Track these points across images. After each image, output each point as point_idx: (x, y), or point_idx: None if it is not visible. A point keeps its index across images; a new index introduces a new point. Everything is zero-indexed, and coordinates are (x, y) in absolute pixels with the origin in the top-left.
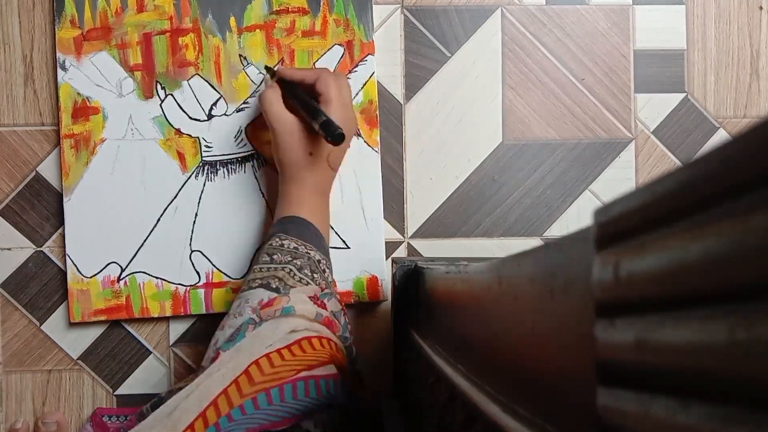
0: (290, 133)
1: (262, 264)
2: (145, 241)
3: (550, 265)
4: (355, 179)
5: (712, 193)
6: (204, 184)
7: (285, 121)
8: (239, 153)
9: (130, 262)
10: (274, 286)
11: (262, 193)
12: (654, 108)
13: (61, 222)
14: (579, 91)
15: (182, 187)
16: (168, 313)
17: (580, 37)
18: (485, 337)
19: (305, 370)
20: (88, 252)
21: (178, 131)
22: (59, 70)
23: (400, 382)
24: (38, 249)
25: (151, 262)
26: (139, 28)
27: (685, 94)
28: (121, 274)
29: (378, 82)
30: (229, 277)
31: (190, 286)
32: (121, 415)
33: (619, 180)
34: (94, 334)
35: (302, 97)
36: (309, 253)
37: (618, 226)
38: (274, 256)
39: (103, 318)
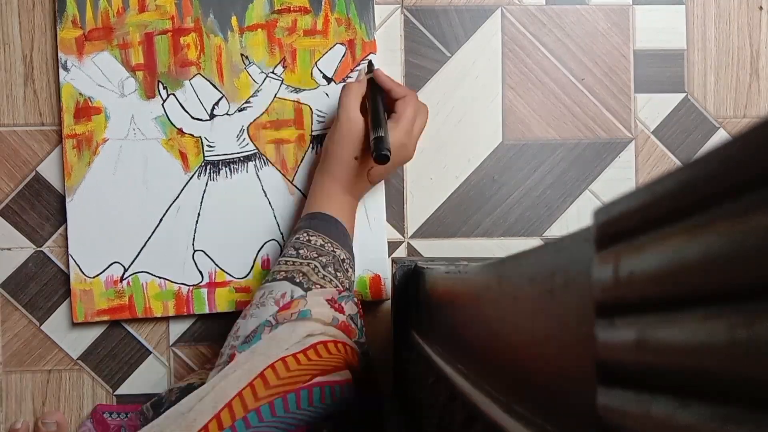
0: (349, 130)
1: (288, 257)
2: (147, 241)
3: (550, 265)
4: None
5: (712, 193)
6: (206, 184)
7: (351, 118)
8: (241, 152)
9: (133, 262)
10: (298, 281)
11: (264, 192)
12: (654, 108)
13: (61, 222)
14: (579, 91)
15: (184, 186)
16: (171, 313)
17: (580, 37)
18: (485, 337)
19: (320, 375)
20: (90, 252)
21: (180, 131)
22: (61, 71)
23: (400, 382)
24: (38, 249)
25: (154, 262)
26: (140, 28)
27: (685, 94)
28: (124, 274)
29: None
30: (232, 276)
31: (193, 285)
32: (121, 412)
33: (619, 180)
34: (94, 334)
35: (377, 104)
36: (335, 252)
37: (618, 226)
38: (301, 251)
39: (106, 318)
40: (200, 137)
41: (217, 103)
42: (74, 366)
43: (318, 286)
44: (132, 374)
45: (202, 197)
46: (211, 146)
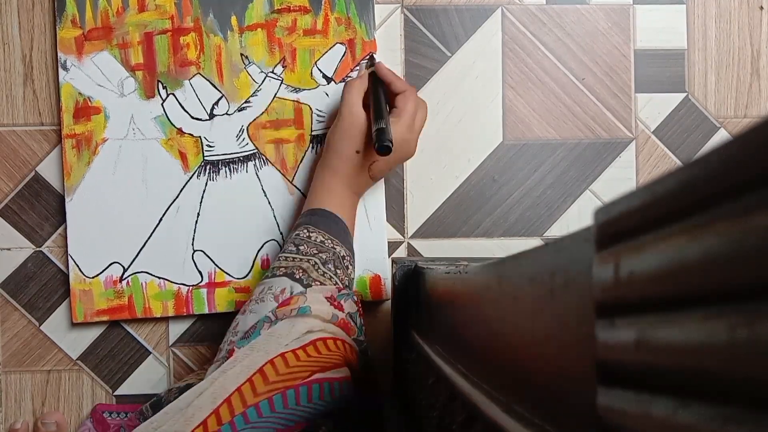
0: (351, 124)
1: (288, 253)
2: (147, 241)
3: (550, 265)
4: None
5: (712, 193)
6: (206, 184)
7: (354, 112)
8: (241, 152)
9: (133, 262)
10: (297, 277)
11: (264, 192)
12: (654, 108)
13: (60, 222)
14: (579, 91)
15: (184, 186)
16: (170, 313)
17: (580, 36)
18: (485, 337)
19: (319, 372)
20: (90, 252)
21: (180, 131)
22: (60, 70)
23: (400, 382)
24: (37, 249)
25: (154, 262)
26: (140, 28)
27: (685, 94)
28: (123, 274)
29: None
30: (232, 276)
31: (193, 285)
32: (121, 412)
33: (619, 180)
34: (93, 334)
35: (378, 97)
36: (335, 249)
37: (618, 226)
38: (301, 247)
39: (105, 318)
40: (200, 137)
41: (216, 103)
42: (74, 366)
43: (318, 283)
44: (131, 374)
45: (202, 197)
46: (210, 146)
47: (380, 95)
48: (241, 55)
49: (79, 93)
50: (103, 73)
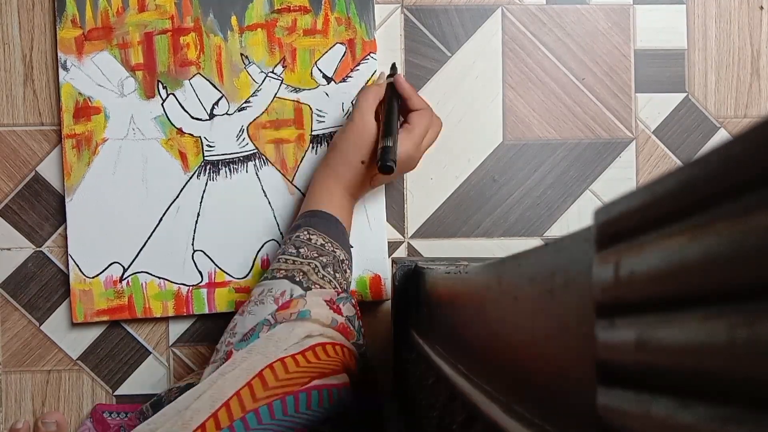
0: (361, 133)
1: (288, 255)
2: (147, 241)
3: (550, 265)
4: None
5: (712, 193)
6: (206, 184)
7: (365, 121)
8: (241, 152)
9: (133, 262)
10: (297, 279)
11: (264, 192)
12: (655, 108)
13: (60, 222)
14: (579, 91)
15: (184, 186)
16: (170, 313)
17: (580, 36)
18: (485, 337)
19: (318, 378)
20: (90, 252)
21: (180, 131)
22: (60, 70)
23: (400, 382)
24: (37, 249)
25: (154, 262)
26: (140, 28)
27: (685, 94)
28: (123, 274)
29: None
30: (232, 276)
31: (193, 286)
32: (121, 411)
33: (619, 180)
34: (93, 334)
35: (392, 112)
36: (335, 252)
37: (618, 226)
38: (301, 250)
39: (105, 318)
40: (200, 137)
41: (216, 103)
42: (74, 366)
43: (317, 286)
44: (132, 374)
45: (202, 197)
46: (210, 146)
47: (394, 109)
48: (241, 55)
49: (79, 93)
50: (103, 73)
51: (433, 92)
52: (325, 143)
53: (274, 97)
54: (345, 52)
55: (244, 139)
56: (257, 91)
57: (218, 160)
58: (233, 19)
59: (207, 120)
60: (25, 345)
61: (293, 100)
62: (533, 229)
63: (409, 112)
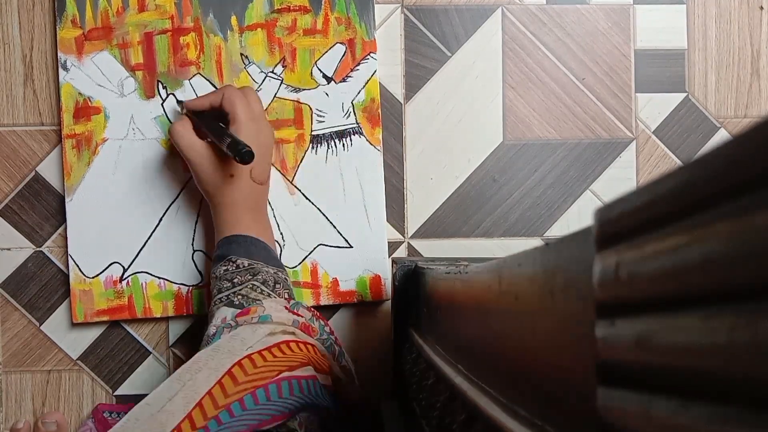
0: (205, 159)
1: (225, 290)
2: (147, 241)
3: (550, 265)
4: (357, 178)
5: (712, 193)
6: None
7: (197, 150)
8: None
9: (133, 262)
10: (237, 303)
11: None
12: (655, 108)
13: (60, 222)
14: (579, 91)
15: (184, 186)
16: (170, 314)
17: (580, 36)
18: (485, 337)
19: (287, 371)
20: (90, 252)
21: None
22: (60, 70)
23: (400, 382)
24: (38, 249)
25: (154, 262)
26: (140, 28)
27: (685, 94)
28: (123, 274)
29: (378, 81)
30: None
31: (193, 286)
32: (122, 411)
33: (619, 180)
34: (93, 334)
35: (207, 122)
36: (267, 269)
37: (618, 226)
38: (235, 280)
39: (105, 318)
40: None
41: None
42: (74, 366)
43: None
44: (131, 375)
45: (202, 197)
46: None
47: (206, 119)
48: (241, 55)
49: (79, 93)
50: (103, 73)
51: (433, 92)
52: (325, 143)
53: (274, 97)
54: (345, 52)
55: None
56: (257, 90)
57: None
58: (233, 19)
59: None
60: (25, 345)
61: (293, 100)
62: (533, 229)
63: (220, 109)
